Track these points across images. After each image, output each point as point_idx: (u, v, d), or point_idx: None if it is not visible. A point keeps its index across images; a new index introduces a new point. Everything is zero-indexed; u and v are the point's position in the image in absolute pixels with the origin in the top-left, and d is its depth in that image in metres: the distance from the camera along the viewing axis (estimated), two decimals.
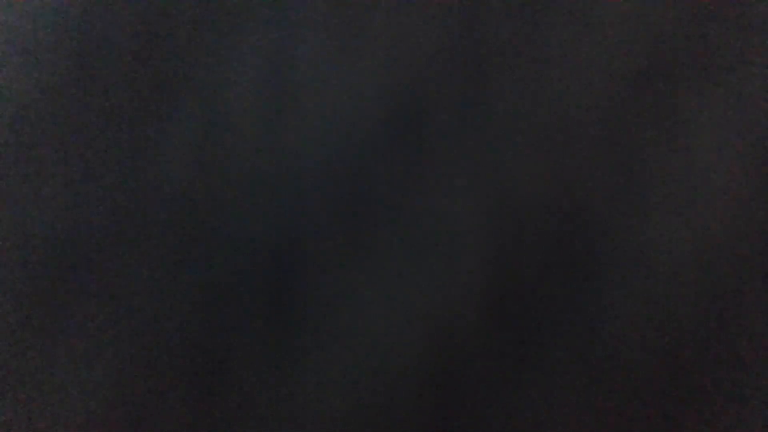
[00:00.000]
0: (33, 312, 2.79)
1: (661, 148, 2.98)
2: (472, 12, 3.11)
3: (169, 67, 3.04)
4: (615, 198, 2.94)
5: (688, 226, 2.91)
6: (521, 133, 2.99)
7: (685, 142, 2.99)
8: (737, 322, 2.82)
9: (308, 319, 2.81)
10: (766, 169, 2.96)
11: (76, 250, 2.85)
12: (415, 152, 2.97)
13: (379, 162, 2.96)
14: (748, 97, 3.03)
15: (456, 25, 3.09)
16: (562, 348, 2.80)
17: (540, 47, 3.08)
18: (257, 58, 3.05)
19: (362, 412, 2.75)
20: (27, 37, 3.03)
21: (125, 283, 2.82)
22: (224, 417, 2.73)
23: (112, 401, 2.73)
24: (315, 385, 2.76)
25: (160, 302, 2.81)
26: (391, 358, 2.79)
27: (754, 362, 2.79)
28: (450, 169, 2.96)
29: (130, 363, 2.76)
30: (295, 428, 2.73)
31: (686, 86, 3.05)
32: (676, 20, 3.11)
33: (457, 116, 3.01)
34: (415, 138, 2.98)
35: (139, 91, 3.01)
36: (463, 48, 3.07)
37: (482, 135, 2.99)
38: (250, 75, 3.03)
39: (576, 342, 2.81)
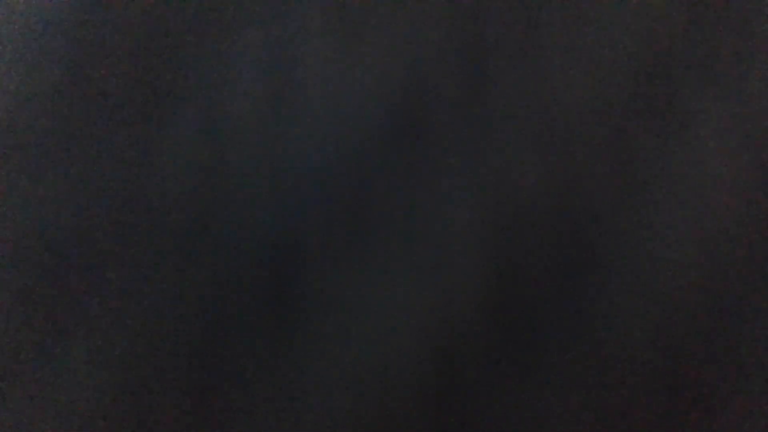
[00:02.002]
0: (33, 312, 2.79)
1: (662, 146, 2.98)
2: (473, 11, 3.11)
3: (169, 67, 3.03)
4: (616, 197, 2.94)
5: (689, 224, 2.91)
6: (522, 131, 2.99)
7: (686, 141, 2.99)
8: (738, 321, 2.82)
9: (309, 319, 2.81)
10: (767, 168, 2.96)
11: (77, 250, 2.85)
12: (416, 152, 2.97)
13: (380, 161, 2.96)
14: (748, 94, 3.03)
15: (457, 24, 3.09)
16: (562, 347, 2.80)
17: (540, 47, 3.08)
18: (257, 58, 3.05)
19: (362, 411, 2.75)
20: (26, 38, 3.03)
21: (125, 283, 2.82)
22: (225, 417, 2.73)
23: (112, 401, 2.73)
24: (316, 384, 2.76)
25: (161, 302, 2.81)
26: (392, 358, 2.79)
27: (755, 362, 2.79)
28: (451, 168, 2.96)
29: (130, 363, 2.76)
30: (296, 428, 2.73)
31: (687, 85, 3.04)
32: (677, 19, 3.11)
33: (458, 115, 3.01)
34: (415, 137, 2.98)
35: (139, 91, 3.01)
36: (464, 47, 3.07)
37: (483, 133, 2.99)
38: (250, 74, 3.03)
39: (576, 342, 2.81)
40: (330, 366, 2.77)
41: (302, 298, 2.83)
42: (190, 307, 2.81)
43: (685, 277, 2.87)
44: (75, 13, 3.08)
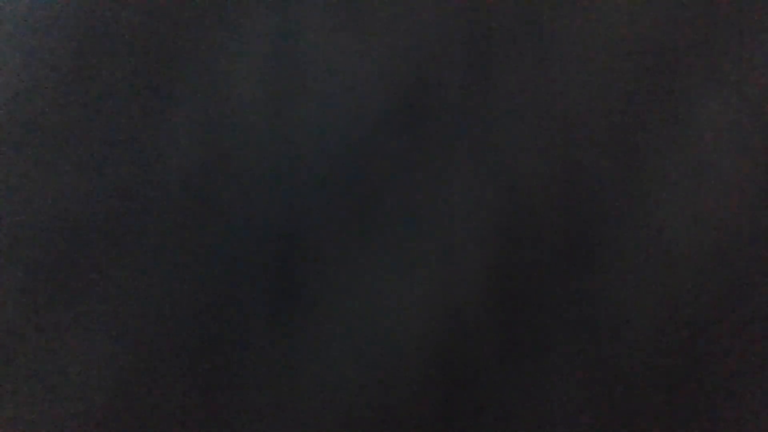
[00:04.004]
0: (34, 310, 2.78)
1: (665, 141, 2.98)
2: (478, 3, 3.10)
3: (173, 57, 3.02)
4: (619, 190, 2.93)
5: (692, 219, 2.91)
6: (526, 124, 2.98)
7: (689, 135, 2.99)
8: (739, 319, 2.82)
9: (312, 314, 2.81)
10: None
11: (77, 246, 2.84)
12: (420, 144, 2.96)
13: (383, 151, 2.95)
14: (751, 89, 3.03)
15: (461, 16, 3.08)
16: (563, 344, 2.80)
17: (545, 41, 3.07)
18: (261, 46, 3.04)
19: (364, 406, 2.75)
20: (27, 34, 3.01)
21: (127, 281, 2.81)
22: (227, 415, 2.73)
23: (113, 399, 2.73)
24: (320, 379, 2.76)
25: (163, 299, 2.80)
26: (394, 354, 2.79)
27: (757, 360, 2.79)
28: (455, 161, 2.95)
29: (131, 361, 2.75)
30: (298, 425, 2.73)
31: (689, 80, 3.04)
32: (680, 14, 3.11)
33: (463, 108, 3.00)
34: (419, 130, 2.97)
35: (140, 84, 3.00)
36: (468, 39, 3.06)
37: (487, 127, 2.98)
38: (253, 63, 3.02)
39: (579, 337, 2.81)
40: (333, 361, 2.77)
41: (306, 293, 2.82)
42: (192, 304, 2.80)
43: (688, 272, 2.87)
44: (78, 4, 3.06)
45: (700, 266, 2.87)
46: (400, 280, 2.84)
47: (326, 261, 2.85)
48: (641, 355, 2.78)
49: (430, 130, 2.98)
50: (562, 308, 2.83)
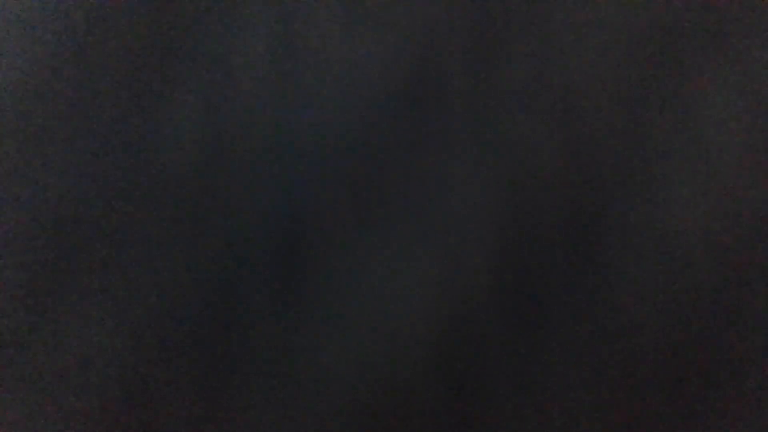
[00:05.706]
0: (36, 308, 2.79)
1: (669, 137, 2.97)
2: None
3: (172, 52, 3.02)
4: (623, 189, 2.93)
5: (696, 217, 2.89)
6: (529, 119, 2.97)
7: (693, 132, 2.97)
8: (743, 319, 2.81)
9: (314, 310, 2.81)
10: None
11: (79, 246, 2.85)
12: (422, 138, 2.95)
13: (386, 145, 2.94)
14: (754, 86, 3.01)
15: (464, 5, 3.07)
16: (566, 342, 2.80)
17: (550, 23, 3.06)
18: (263, 40, 3.04)
19: (365, 403, 2.76)
20: (30, 19, 3.02)
21: (127, 279, 2.82)
22: (229, 411, 2.73)
23: (114, 398, 2.74)
24: (320, 377, 2.76)
25: (163, 296, 2.81)
26: (395, 350, 2.79)
27: (760, 355, 2.78)
28: (457, 153, 2.95)
29: (132, 359, 2.76)
30: (298, 421, 2.73)
31: (694, 77, 3.03)
32: (683, 10, 3.09)
33: (465, 99, 2.99)
34: (421, 122, 2.97)
35: (140, 82, 3.00)
36: (474, 21, 3.05)
37: (489, 119, 2.97)
38: (255, 58, 3.01)
39: (580, 336, 2.81)
40: (334, 358, 2.78)
41: (308, 289, 2.82)
42: (193, 302, 2.81)
43: (692, 270, 2.86)
44: (78, 4, 3.06)
45: (704, 264, 2.86)
46: (401, 275, 2.84)
47: (328, 256, 2.85)
48: (644, 354, 2.78)
49: (432, 123, 2.97)
50: (564, 306, 2.82)
